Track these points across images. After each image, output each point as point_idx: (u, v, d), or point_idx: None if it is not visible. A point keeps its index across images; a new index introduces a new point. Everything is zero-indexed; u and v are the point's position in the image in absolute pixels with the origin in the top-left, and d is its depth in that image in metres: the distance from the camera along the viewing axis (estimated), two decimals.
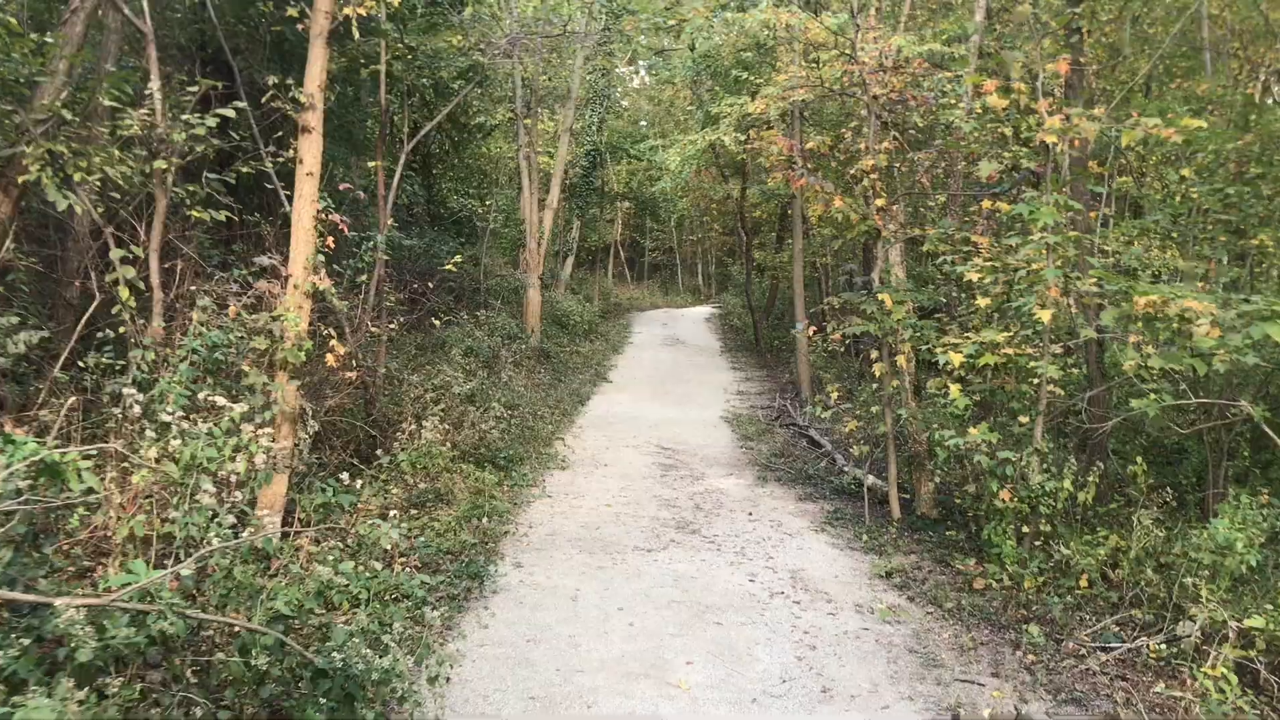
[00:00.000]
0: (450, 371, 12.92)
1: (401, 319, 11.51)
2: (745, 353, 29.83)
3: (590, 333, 30.54)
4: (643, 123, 48.46)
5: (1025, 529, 8.71)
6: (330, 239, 8.23)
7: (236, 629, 5.02)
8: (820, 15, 14.70)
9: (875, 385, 11.26)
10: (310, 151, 8.07)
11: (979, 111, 10.75)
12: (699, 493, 12.48)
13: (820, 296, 26.99)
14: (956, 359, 9.04)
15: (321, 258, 8.00)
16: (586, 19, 25.83)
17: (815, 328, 11.56)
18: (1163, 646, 6.93)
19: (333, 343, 8.12)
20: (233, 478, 5.86)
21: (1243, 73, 18.68)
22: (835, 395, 11.44)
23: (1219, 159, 10.17)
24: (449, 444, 11.56)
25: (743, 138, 16.81)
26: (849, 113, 16.25)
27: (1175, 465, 11.28)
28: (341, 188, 8.75)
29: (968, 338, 9.44)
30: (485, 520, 9.93)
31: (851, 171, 10.68)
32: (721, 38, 22.95)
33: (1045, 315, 8.21)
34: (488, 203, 25.76)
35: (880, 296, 10.41)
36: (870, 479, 11.95)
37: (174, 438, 5.93)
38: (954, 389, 9.24)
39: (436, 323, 12.26)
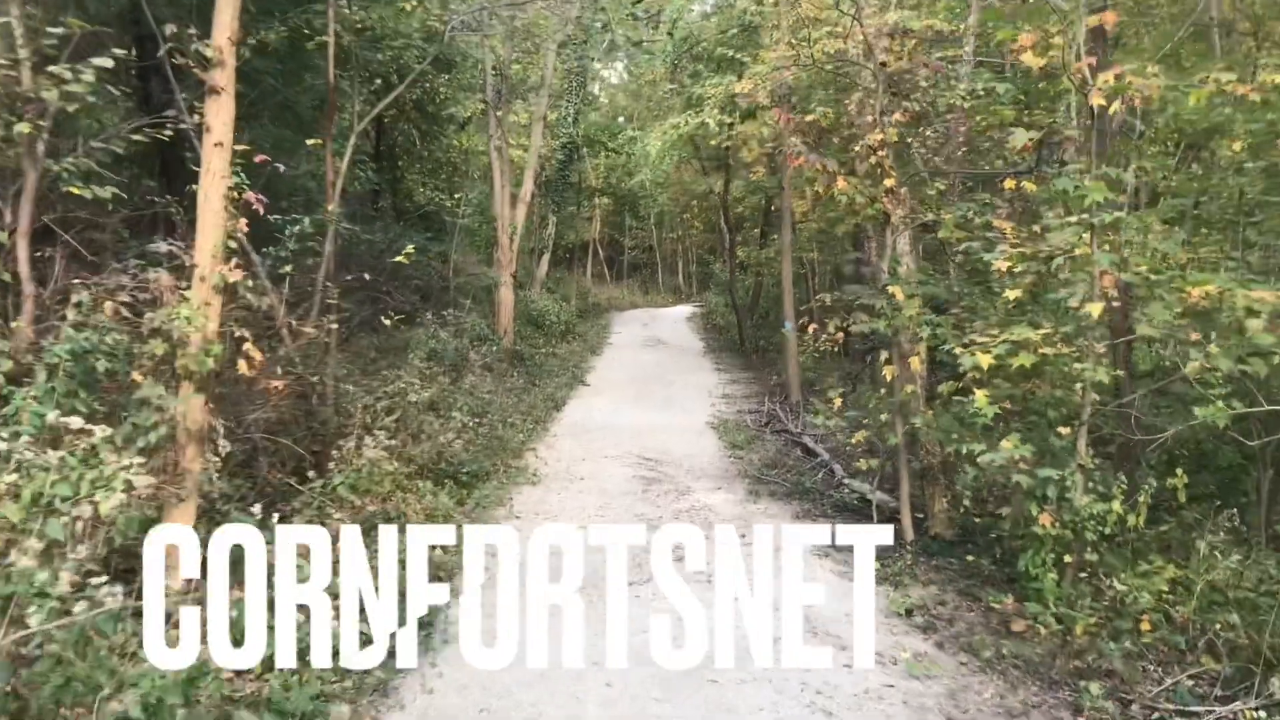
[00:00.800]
0: (408, 377, 11.54)
1: (335, 319, 10.07)
2: (730, 353, 28.55)
3: (567, 333, 29.23)
4: (621, 119, 47.17)
5: (1068, 558, 7.45)
6: (243, 222, 6.84)
7: None
8: None
9: (884, 390, 9.98)
10: (219, 118, 6.71)
11: (983, 91, 9.55)
12: (685, 510, 11.17)
13: (808, 294, 25.81)
14: (985, 361, 7.77)
15: (237, 245, 6.64)
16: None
17: (814, 325, 10.23)
18: (1260, 714, 5.67)
19: (247, 347, 6.75)
20: (79, 524, 4.51)
21: (1257, 52, 17.55)
22: (838, 401, 10.10)
23: (1273, 132, 8.94)
24: (402, 459, 10.20)
25: (729, 120, 15.50)
26: (839, 98, 15.02)
27: (1199, 474, 10.09)
28: (258, 159, 7.38)
29: (992, 335, 8.17)
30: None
31: (856, 148, 9.39)
32: (702, 22, 21.77)
33: (1095, 309, 6.93)
34: (457, 196, 24.34)
35: (890, 290, 9.13)
36: (877, 495, 10.68)
37: (12, 471, 4.58)
38: (980, 396, 7.96)
39: (387, 322, 10.78)
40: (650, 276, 58.15)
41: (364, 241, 16.49)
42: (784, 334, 19.46)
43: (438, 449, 10.89)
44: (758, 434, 16.28)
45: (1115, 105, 6.88)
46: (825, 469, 13.36)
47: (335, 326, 10.01)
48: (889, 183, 9.20)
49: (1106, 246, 7.27)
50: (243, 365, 6.70)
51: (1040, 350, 7.44)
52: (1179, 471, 7.93)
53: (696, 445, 15.26)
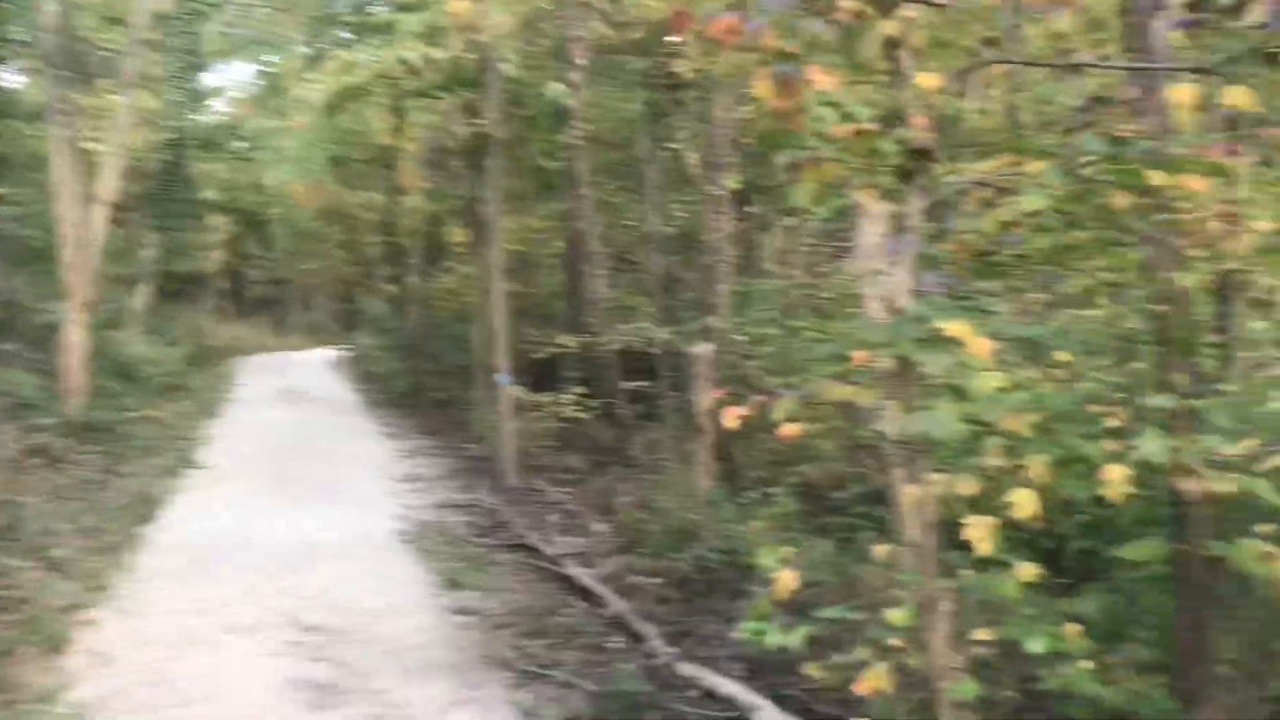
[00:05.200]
0: None
1: None
2: (399, 410, 22.35)
3: (175, 388, 21.73)
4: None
5: None
6: None
7: None
8: None
9: (886, 549, 4.61)
10: None
11: None
12: None
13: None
14: None
15: None
16: None
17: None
18: None
19: None
20: None
21: None
22: (787, 580, 4.41)
23: None
24: None
25: (439, 55, 9.70)
26: None
27: None
28: None
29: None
30: None
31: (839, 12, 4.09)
32: None
33: None
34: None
35: (940, 326, 3.82)
36: None
37: None
38: None
39: None
40: (283, 314, 50.33)
41: None
42: (503, 387, 13.73)
43: None
44: (482, 551, 10.46)
45: None
46: (624, 631, 7.89)
47: None
48: (927, 81, 3.97)
49: None
50: None
51: None
52: None
53: (391, 584, 9.16)
